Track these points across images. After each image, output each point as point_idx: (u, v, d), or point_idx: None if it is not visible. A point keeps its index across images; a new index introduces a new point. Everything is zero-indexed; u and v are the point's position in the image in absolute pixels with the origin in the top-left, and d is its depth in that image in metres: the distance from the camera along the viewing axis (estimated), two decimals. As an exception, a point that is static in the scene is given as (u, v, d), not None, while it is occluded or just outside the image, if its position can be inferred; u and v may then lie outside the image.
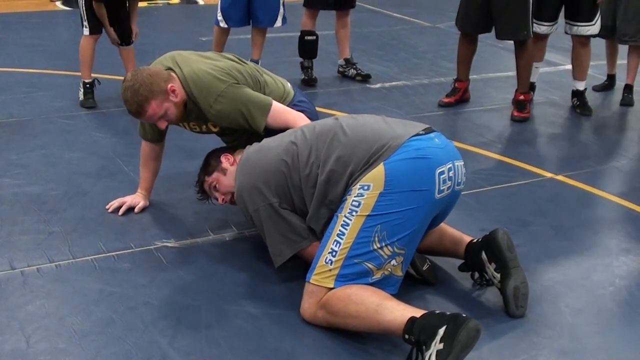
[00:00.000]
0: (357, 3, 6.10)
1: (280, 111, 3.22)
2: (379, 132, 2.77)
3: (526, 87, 5.25)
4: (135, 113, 3.09)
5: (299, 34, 5.93)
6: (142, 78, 3.05)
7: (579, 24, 5.27)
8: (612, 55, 5.99)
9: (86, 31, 5.06)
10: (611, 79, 6.06)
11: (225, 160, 3.12)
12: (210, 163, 3.16)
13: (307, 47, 5.89)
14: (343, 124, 2.85)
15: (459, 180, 2.78)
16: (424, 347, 2.33)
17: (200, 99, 3.16)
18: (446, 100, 5.42)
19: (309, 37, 5.87)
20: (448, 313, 2.37)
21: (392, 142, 2.69)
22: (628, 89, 5.70)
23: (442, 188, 2.67)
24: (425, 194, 2.63)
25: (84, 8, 5.01)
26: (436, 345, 2.29)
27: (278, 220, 2.85)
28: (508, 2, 4.95)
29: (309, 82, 5.83)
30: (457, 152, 2.83)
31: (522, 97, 5.21)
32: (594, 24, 5.27)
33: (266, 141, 3.02)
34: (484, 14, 5.07)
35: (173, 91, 3.11)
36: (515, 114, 5.19)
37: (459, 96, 5.44)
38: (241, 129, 3.26)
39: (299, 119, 3.20)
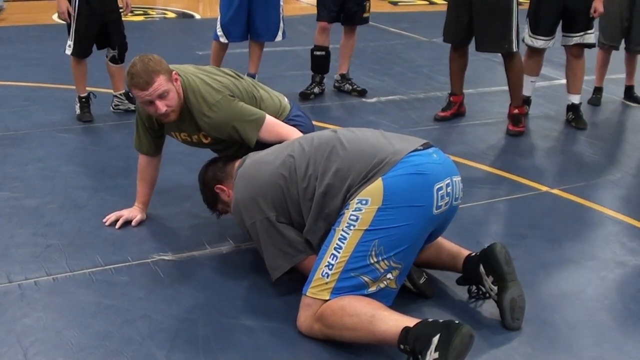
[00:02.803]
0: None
1: (273, 125, 3.25)
2: (377, 146, 2.78)
3: (520, 101, 5.26)
4: (144, 83, 3.06)
5: (295, 48, 5.97)
6: (152, 57, 3.15)
7: (580, 33, 5.29)
8: (604, 68, 6.05)
9: (69, 51, 4.98)
10: (599, 91, 6.11)
11: (221, 192, 3.14)
12: (208, 197, 3.21)
13: (314, 62, 5.91)
14: (342, 137, 2.87)
15: (457, 196, 2.79)
16: (419, 356, 2.34)
17: (195, 106, 3.19)
18: (442, 114, 5.44)
19: (317, 53, 5.88)
20: (441, 321, 2.39)
21: (390, 157, 2.70)
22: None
23: (440, 204, 2.69)
24: (423, 210, 2.65)
25: (74, 27, 4.92)
26: (431, 354, 2.30)
27: (274, 234, 2.86)
28: (488, 15, 4.97)
29: (304, 96, 5.84)
30: (455, 168, 2.84)
31: (516, 111, 5.23)
32: (593, 32, 5.32)
33: (263, 154, 3.03)
34: (468, 26, 5.10)
35: (176, 80, 3.16)
36: (511, 128, 5.21)
37: (455, 110, 5.47)
38: (232, 141, 3.28)
39: (292, 133, 3.23)
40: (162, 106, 3.12)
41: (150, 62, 3.09)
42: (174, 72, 3.16)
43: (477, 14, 5.01)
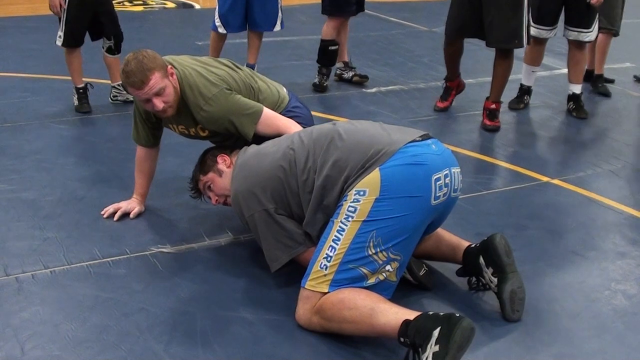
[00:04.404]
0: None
1: (270, 118, 3.23)
2: (375, 137, 2.76)
3: (499, 96, 5.14)
4: (139, 82, 3.04)
5: (295, 37, 5.92)
6: (146, 53, 3.11)
7: (578, 29, 5.27)
8: (606, 54, 6.03)
9: (59, 42, 4.97)
10: (601, 79, 6.08)
11: (222, 162, 3.11)
12: (206, 162, 3.16)
13: (330, 56, 5.87)
14: (340, 129, 2.85)
15: (456, 187, 2.77)
16: (419, 349, 2.33)
17: (192, 100, 3.17)
18: (441, 105, 5.38)
19: (333, 47, 5.82)
20: (441, 314, 2.37)
21: (388, 147, 2.69)
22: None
23: (438, 194, 2.67)
24: (420, 200, 2.63)
25: (64, 17, 4.91)
26: (432, 348, 2.29)
27: (273, 225, 2.84)
28: (500, 11, 4.82)
29: (321, 88, 5.81)
30: (454, 159, 2.82)
31: (493, 105, 5.11)
32: (591, 31, 5.28)
33: (264, 146, 3.01)
34: (471, 20, 4.96)
35: (172, 74, 3.14)
36: (488, 122, 5.09)
37: (453, 96, 5.42)
38: (230, 134, 3.26)
39: (290, 126, 3.21)
40: (159, 103, 3.10)
41: (144, 59, 3.06)
42: (169, 67, 3.14)
43: (488, 10, 4.84)
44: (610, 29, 5.88)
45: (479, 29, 4.99)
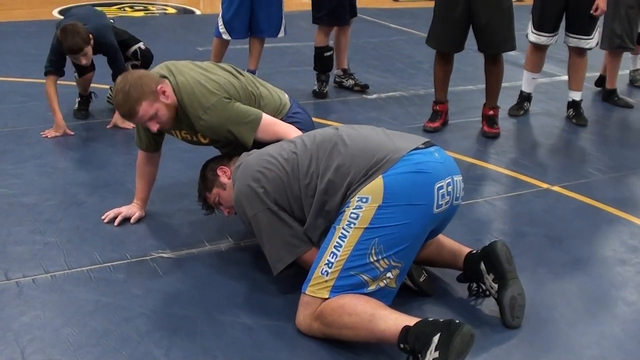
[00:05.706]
0: (353, 14, 6.09)
1: (269, 124, 3.23)
2: (379, 144, 2.76)
3: (496, 102, 5.12)
4: (128, 115, 3.11)
5: (295, 44, 5.92)
6: (133, 79, 3.09)
7: (578, 36, 5.28)
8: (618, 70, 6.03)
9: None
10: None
11: (223, 174, 3.11)
12: (207, 177, 3.15)
13: (326, 62, 5.86)
14: (343, 134, 2.85)
15: (457, 195, 2.78)
16: (419, 355, 2.33)
17: (190, 109, 3.17)
18: (433, 125, 5.14)
19: (328, 53, 5.84)
20: (441, 320, 2.38)
21: (391, 155, 2.69)
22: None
23: (440, 203, 2.67)
24: (423, 209, 2.63)
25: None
26: (431, 354, 2.29)
27: (278, 224, 2.83)
28: (494, 16, 4.79)
29: (321, 95, 5.81)
30: (456, 167, 2.83)
31: (491, 112, 5.10)
32: (592, 38, 5.28)
33: (267, 149, 3.00)
34: (462, 31, 4.94)
35: (163, 92, 3.13)
36: (487, 129, 5.08)
37: (443, 119, 5.22)
38: (230, 141, 3.27)
39: (290, 132, 3.21)
40: (153, 126, 3.15)
41: (130, 89, 3.05)
42: (159, 86, 3.11)
43: (481, 17, 4.80)
44: (632, 48, 5.90)
45: (464, 40, 4.98)
